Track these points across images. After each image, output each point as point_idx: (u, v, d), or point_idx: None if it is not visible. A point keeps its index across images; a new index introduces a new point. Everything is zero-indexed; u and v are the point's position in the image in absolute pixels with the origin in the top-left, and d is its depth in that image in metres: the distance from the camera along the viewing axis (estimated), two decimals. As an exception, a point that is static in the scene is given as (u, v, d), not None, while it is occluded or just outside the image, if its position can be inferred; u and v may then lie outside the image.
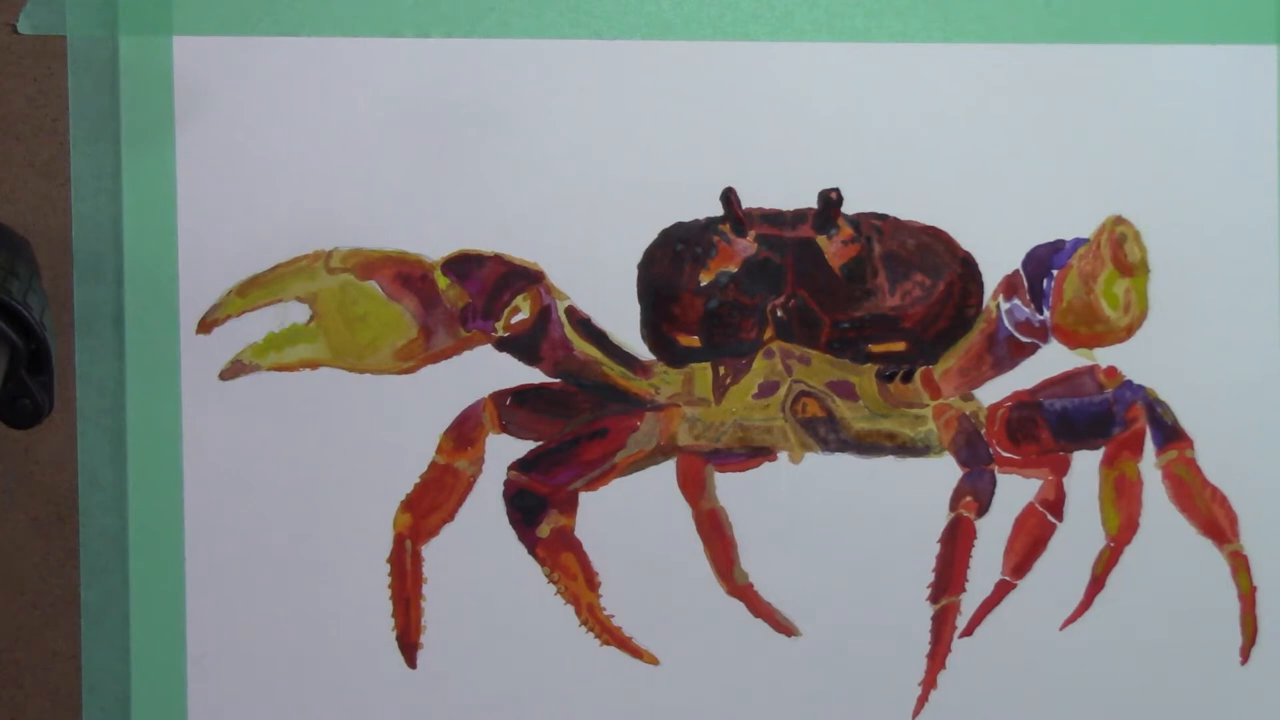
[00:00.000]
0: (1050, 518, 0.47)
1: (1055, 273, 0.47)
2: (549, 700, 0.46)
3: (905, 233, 0.47)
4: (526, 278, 0.46)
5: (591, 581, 0.46)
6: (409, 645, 0.46)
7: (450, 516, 0.46)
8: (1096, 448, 0.47)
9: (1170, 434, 0.48)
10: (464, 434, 0.46)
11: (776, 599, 0.47)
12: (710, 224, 0.46)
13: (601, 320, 0.46)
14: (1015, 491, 0.47)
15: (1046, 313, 0.47)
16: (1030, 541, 0.47)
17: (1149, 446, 0.48)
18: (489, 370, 0.46)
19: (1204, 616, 0.47)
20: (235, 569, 0.45)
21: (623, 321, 0.46)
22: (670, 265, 0.46)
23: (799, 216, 0.46)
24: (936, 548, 0.47)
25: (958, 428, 0.47)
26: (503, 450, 0.46)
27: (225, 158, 0.45)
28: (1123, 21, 0.47)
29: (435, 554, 0.46)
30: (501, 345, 0.46)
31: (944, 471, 0.47)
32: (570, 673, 0.46)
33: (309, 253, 0.45)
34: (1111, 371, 0.48)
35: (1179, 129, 0.48)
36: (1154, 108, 0.47)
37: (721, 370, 0.47)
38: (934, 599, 0.47)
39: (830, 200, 0.46)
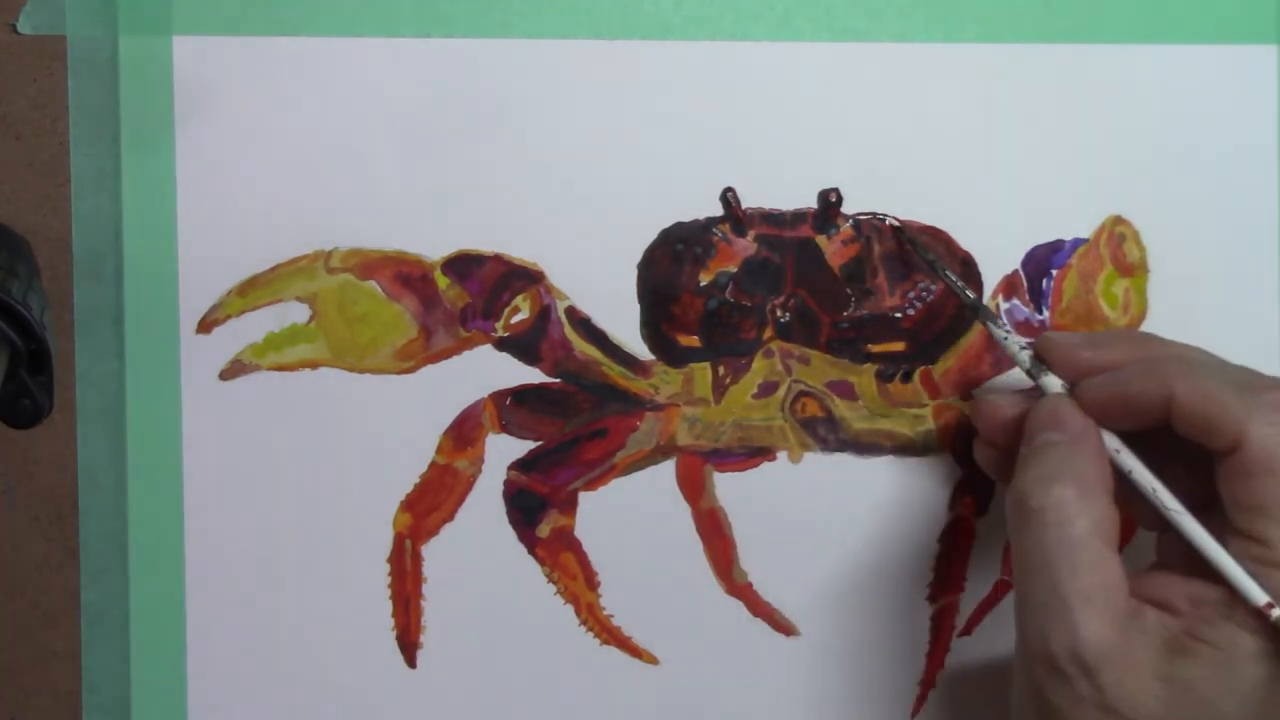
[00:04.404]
0: (1050, 518, 0.47)
1: (1054, 273, 0.47)
2: (549, 700, 0.47)
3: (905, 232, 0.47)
4: (526, 278, 0.46)
5: (591, 581, 0.47)
6: (409, 645, 0.46)
7: (450, 516, 0.46)
8: (1096, 448, 0.48)
9: (1170, 434, 0.48)
10: (464, 434, 0.46)
11: (776, 599, 0.47)
12: (710, 224, 0.46)
13: (601, 320, 0.46)
14: (1015, 491, 0.47)
15: (1046, 313, 0.48)
16: (1030, 541, 0.47)
17: (1148, 446, 0.48)
18: (489, 370, 0.46)
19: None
20: (235, 569, 0.45)
21: (623, 321, 0.46)
22: (670, 265, 0.46)
23: (799, 216, 0.47)
24: (936, 548, 0.47)
25: (957, 428, 0.47)
26: (503, 450, 0.46)
27: (225, 158, 0.45)
28: (1123, 21, 0.47)
29: (435, 554, 0.46)
30: (501, 345, 0.46)
31: (944, 471, 0.47)
32: (570, 673, 0.47)
33: (309, 253, 0.45)
34: (1111, 371, 0.48)
35: (1179, 129, 0.48)
36: (1154, 108, 0.47)
37: (721, 370, 0.47)
38: (933, 599, 0.47)
39: (830, 200, 0.46)
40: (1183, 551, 0.39)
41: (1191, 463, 0.40)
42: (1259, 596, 0.36)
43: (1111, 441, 0.40)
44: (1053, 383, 0.42)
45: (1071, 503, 0.38)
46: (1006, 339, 0.43)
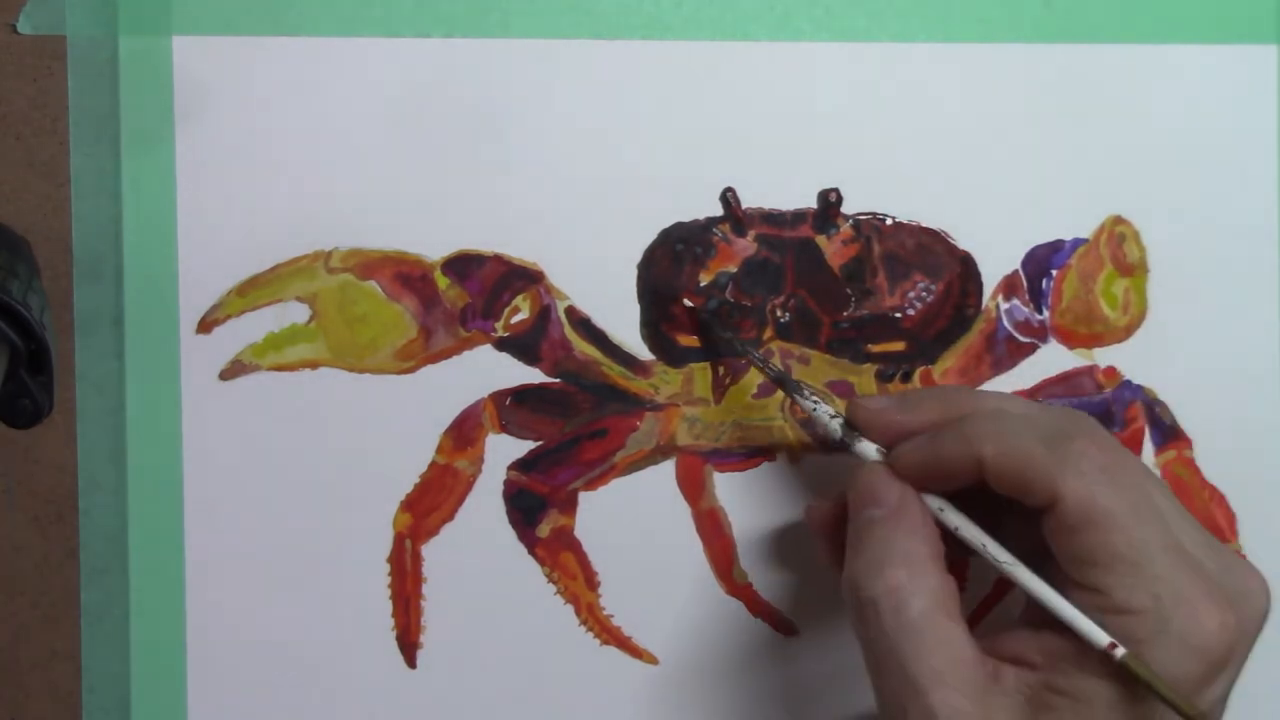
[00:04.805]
0: (1050, 518, 0.47)
1: (1054, 273, 0.47)
2: (549, 700, 0.47)
3: (905, 233, 0.47)
4: (526, 278, 0.46)
5: (591, 581, 0.47)
6: (409, 645, 0.46)
7: (450, 516, 0.46)
8: (1096, 448, 0.47)
9: (1169, 434, 0.48)
10: (464, 434, 0.46)
11: (776, 599, 0.47)
12: (710, 224, 0.46)
13: (601, 320, 0.46)
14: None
15: (1046, 313, 0.48)
16: (1030, 541, 0.47)
17: (1148, 446, 0.48)
18: (489, 370, 0.46)
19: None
20: (235, 569, 0.45)
21: (623, 321, 0.46)
22: (670, 265, 0.46)
23: (799, 216, 0.47)
24: (936, 547, 0.47)
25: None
26: (503, 450, 0.46)
27: (225, 158, 0.45)
28: (1123, 21, 0.47)
29: (435, 554, 0.46)
30: (501, 345, 0.46)
31: (943, 471, 0.47)
32: (570, 673, 0.47)
33: (309, 253, 0.45)
34: (1110, 371, 0.48)
35: (1179, 129, 0.48)
36: (1154, 108, 0.47)
37: (721, 370, 0.47)
38: (933, 599, 0.47)
39: (830, 200, 0.46)
40: (1033, 603, 0.38)
41: (1029, 510, 0.38)
42: (1101, 638, 0.36)
43: (934, 501, 0.39)
44: (868, 450, 0.41)
45: (904, 585, 0.37)
46: (815, 409, 0.42)
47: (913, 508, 0.39)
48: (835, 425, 0.42)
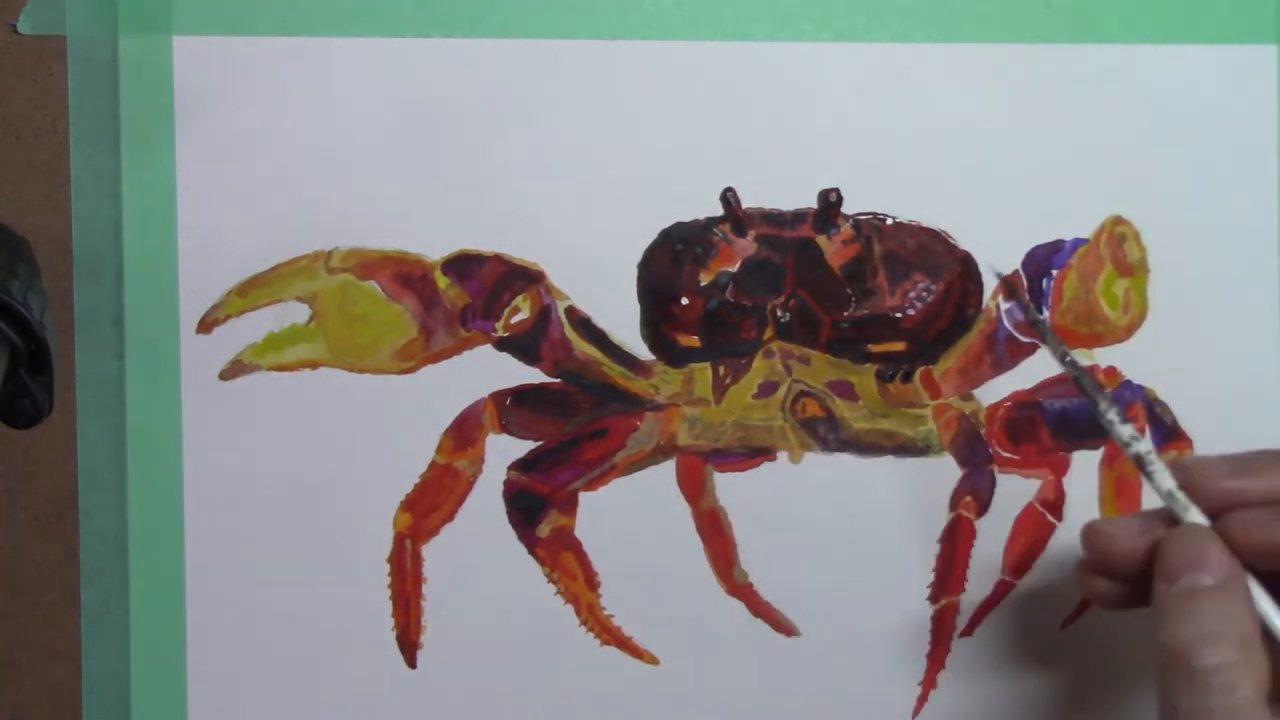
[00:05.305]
0: (1050, 518, 0.47)
1: (1055, 273, 0.47)
2: (549, 700, 0.47)
3: (905, 233, 0.47)
4: (526, 278, 0.46)
5: (591, 581, 0.46)
6: (409, 645, 0.46)
7: (450, 516, 0.46)
8: (1096, 448, 0.48)
9: (1169, 434, 0.48)
10: (464, 434, 0.46)
11: (776, 599, 0.47)
12: (710, 224, 0.46)
13: (601, 320, 0.46)
14: (1015, 491, 0.47)
15: (1046, 313, 0.48)
16: (1030, 541, 0.47)
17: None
18: (489, 370, 0.46)
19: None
20: (235, 569, 0.45)
21: (623, 321, 0.46)
22: (670, 265, 0.46)
23: (799, 216, 0.47)
24: (936, 548, 0.47)
25: (957, 428, 0.47)
26: (503, 450, 0.46)
27: (225, 158, 0.45)
28: (1123, 21, 0.47)
29: (435, 554, 0.46)
30: (501, 345, 0.46)
31: (944, 471, 0.47)
32: (570, 673, 0.46)
33: (309, 253, 0.45)
34: (1111, 371, 0.48)
35: (1179, 129, 0.48)
36: (1154, 108, 0.47)
37: (721, 370, 0.47)
38: (934, 599, 0.47)
39: (830, 200, 0.46)
40: None
41: None
42: None
43: None
44: (1194, 512, 0.38)
45: (1238, 665, 0.35)
46: (1147, 457, 0.39)
47: (1242, 582, 0.37)
48: (1166, 482, 0.39)
